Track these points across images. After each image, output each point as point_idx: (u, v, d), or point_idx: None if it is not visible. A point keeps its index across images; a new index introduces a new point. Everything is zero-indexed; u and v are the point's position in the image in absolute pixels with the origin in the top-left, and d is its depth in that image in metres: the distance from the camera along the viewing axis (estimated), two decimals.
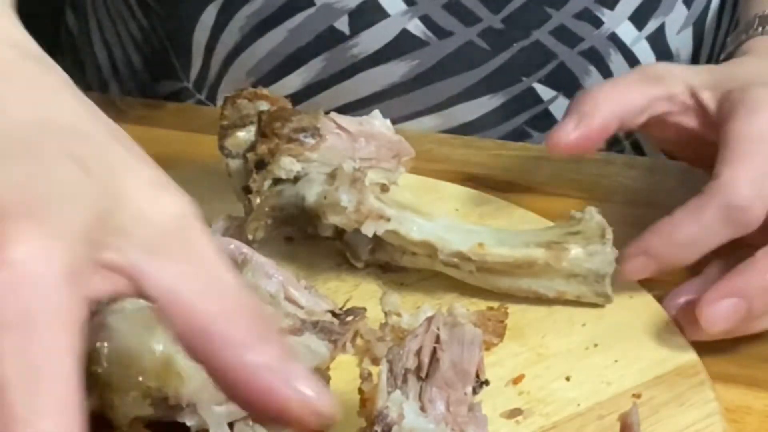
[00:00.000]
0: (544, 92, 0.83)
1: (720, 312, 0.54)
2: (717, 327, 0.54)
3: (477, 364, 0.48)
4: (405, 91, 0.81)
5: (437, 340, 0.48)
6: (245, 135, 0.66)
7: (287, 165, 0.62)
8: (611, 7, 0.81)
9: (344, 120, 0.65)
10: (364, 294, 0.61)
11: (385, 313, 0.57)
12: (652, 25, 0.83)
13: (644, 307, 0.59)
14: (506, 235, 0.60)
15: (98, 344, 0.46)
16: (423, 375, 0.47)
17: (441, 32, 0.79)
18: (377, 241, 0.61)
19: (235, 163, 0.66)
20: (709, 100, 0.62)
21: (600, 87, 0.63)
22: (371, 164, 0.64)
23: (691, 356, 0.56)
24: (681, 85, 0.62)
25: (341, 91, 0.81)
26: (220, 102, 0.79)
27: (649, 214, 0.64)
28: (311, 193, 0.61)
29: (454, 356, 0.48)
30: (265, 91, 0.69)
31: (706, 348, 0.57)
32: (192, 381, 0.46)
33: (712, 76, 0.63)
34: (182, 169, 0.72)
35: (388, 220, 0.59)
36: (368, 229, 0.58)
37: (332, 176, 0.59)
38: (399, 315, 0.57)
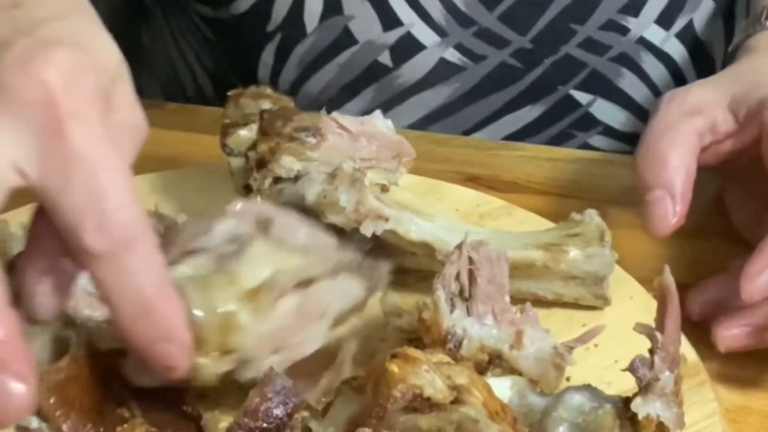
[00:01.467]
0: (582, 97, 0.86)
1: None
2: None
3: (508, 276, 0.53)
4: (453, 110, 0.86)
5: (471, 262, 0.52)
6: (247, 133, 0.66)
7: (288, 164, 0.62)
8: (635, 15, 0.83)
9: (346, 120, 0.65)
10: None
11: (386, 314, 0.57)
12: (679, 23, 0.85)
13: (644, 308, 0.59)
14: (505, 236, 0.60)
15: None
16: (466, 296, 0.52)
17: (475, 57, 0.83)
18: (377, 240, 0.61)
19: (236, 162, 0.66)
20: (745, 117, 0.62)
21: (656, 142, 0.62)
22: (372, 164, 0.64)
23: (691, 356, 0.56)
24: (721, 112, 0.63)
25: (396, 116, 0.83)
26: None
27: None
28: (311, 192, 0.61)
29: (488, 273, 0.53)
30: (268, 90, 0.69)
31: (706, 348, 0.57)
32: (251, 333, 0.49)
33: (741, 86, 0.63)
34: (182, 169, 0.73)
35: (387, 220, 0.59)
36: (367, 229, 0.58)
37: (332, 176, 0.59)
38: (400, 316, 0.57)
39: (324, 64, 0.85)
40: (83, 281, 0.56)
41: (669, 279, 0.47)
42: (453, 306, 0.51)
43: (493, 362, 0.49)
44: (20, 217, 0.66)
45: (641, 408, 0.44)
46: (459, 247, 0.53)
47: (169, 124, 0.81)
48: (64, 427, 0.47)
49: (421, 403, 0.40)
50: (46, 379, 0.48)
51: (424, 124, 0.86)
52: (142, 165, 0.73)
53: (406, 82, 0.84)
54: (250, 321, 0.49)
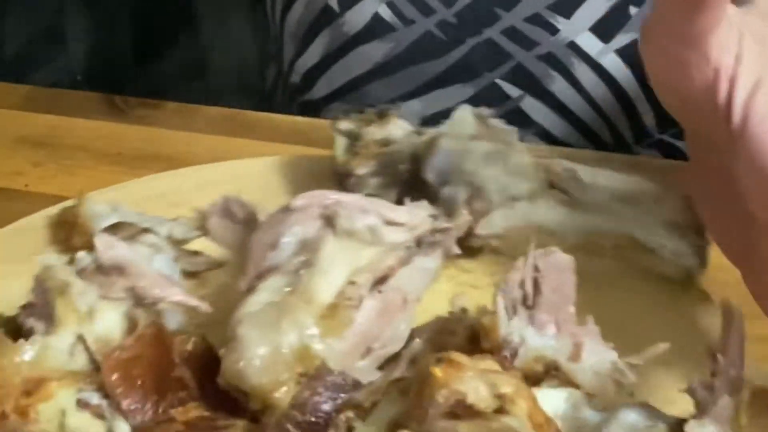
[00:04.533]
0: (510, 90, 0.86)
1: None
2: None
3: (574, 285, 0.52)
4: (389, 72, 0.88)
5: (536, 270, 0.52)
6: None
7: (403, 125, 0.64)
8: (567, 16, 0.83)
9: None
10: (437, 294, 0.60)
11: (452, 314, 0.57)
12: (621, 40, 0.84)
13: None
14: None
15: (242, 363, 0.48)
16: (529, 304, 0.51)
17: (404, 19, 0.86)
18: (475, 191, 0.61)
19: (341, 141, 0.67)
20: None
21: None
22: None
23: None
24: None
25: (345, 66, 0.90)
26: None
27: None
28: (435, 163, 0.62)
29: (553, 282, 0.52)
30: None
31: None
32: (329, 355, 0.50)
33: None
34: (182, 170, 0.73)
35: None
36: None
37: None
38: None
39: (290, 7, 0.91)
40: (158, 263, 0.58)
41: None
42: (515, 313, 0.51)
43: (549, 373, 0.48)
44: (106, 196, 0.69)
45: (694, 431, 0.44)
46: (526, 255, 0.52)
47: (169, 124, 0.80)
48: (124, 404, 0.48)
49: (464, 410, 0.40)
50: (110, 356, 0.49)
51: (365, 81, 0.89)
52: (142, 165, 0.74)
53: (349, 31, 0.88)
54: (326, 346, 0.50)
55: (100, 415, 0.48)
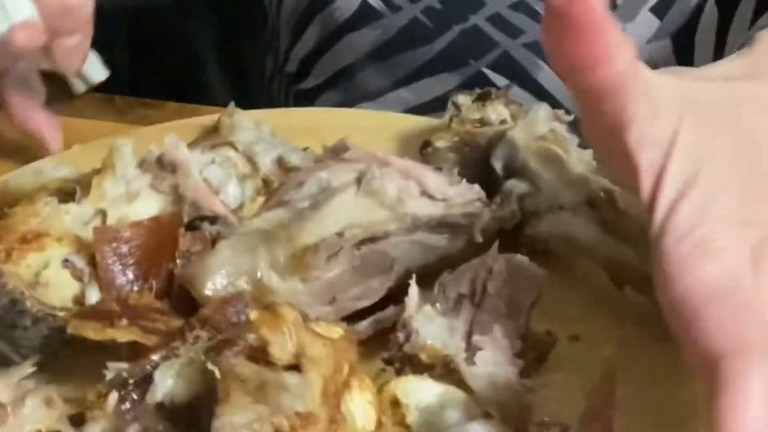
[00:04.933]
0: (497, 79, 0.86)
1: None
2: None
3: (532, 301, 0.51)
4: (379, 59, 0.90)
5: (489, 271, 0.51)
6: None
7: (501, 111, 0.65)
8: None
9: None
10: None
11: None
12: None
13: None
14: None
15: (198, 271, 0.53)
16: (476, 302, 0.51)
17: (392, 6, 0.88)
18: (533, 190, 0.60)
19: (450, 112, 0.68)
20: None
21: None
22: None
23: None
24: None
25: (337, 54, 0.92)
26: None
27: None
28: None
29: (506, 289, 0.51)
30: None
31: None
32: (285, 293, 0.53)
33: None
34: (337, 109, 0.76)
35: None
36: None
37: None
38: None
39: None
40: (211, 173, 0.64)
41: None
42: (458, 303, 0.50)
43: (435, 367, 0.48)
44: (257, 115, 0.74)
45: None
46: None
47: None
48: (103, 275, 0.54)
49: (260, 356, 0.42)
50: (107, 229, 0.55)
51: (358, 68, 0.91)
52: None
53: (340, 17, 0.90)
54: (285, 282, 0.53)
55: (78, 278, 0.55)
